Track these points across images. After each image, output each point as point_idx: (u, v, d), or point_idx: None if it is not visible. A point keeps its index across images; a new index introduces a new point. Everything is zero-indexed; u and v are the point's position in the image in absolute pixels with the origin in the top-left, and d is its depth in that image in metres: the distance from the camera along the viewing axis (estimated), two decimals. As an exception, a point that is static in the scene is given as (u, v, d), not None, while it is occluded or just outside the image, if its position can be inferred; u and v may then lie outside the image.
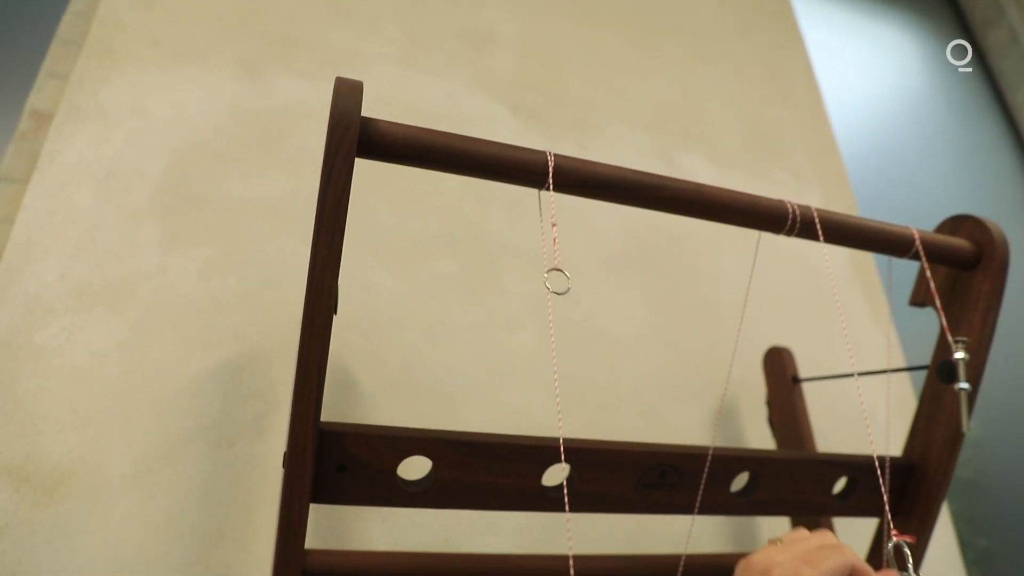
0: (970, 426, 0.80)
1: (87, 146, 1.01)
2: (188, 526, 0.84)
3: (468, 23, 1.35)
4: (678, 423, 1.11)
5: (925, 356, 0.87)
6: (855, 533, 0.96)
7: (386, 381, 0.99)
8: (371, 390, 0.98)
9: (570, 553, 0.81)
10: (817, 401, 1.17)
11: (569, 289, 0.74)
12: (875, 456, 0.82)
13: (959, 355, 0.76)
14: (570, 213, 1.21)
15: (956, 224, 0.85)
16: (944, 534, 1.28)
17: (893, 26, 2.44)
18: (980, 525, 1.66)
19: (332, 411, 0.95)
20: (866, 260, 1.48)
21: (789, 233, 0.72)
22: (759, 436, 1.15)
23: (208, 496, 0.85)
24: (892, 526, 0.74)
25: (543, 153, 0.62)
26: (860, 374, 1.02)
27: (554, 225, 0.61)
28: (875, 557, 0.89)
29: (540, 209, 0.62)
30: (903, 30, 2.46)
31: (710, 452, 0.74)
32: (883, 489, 0.76)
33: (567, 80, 1.38)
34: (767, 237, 0.79)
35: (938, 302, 0.84)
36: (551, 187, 0.62)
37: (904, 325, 1.55)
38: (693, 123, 1.46)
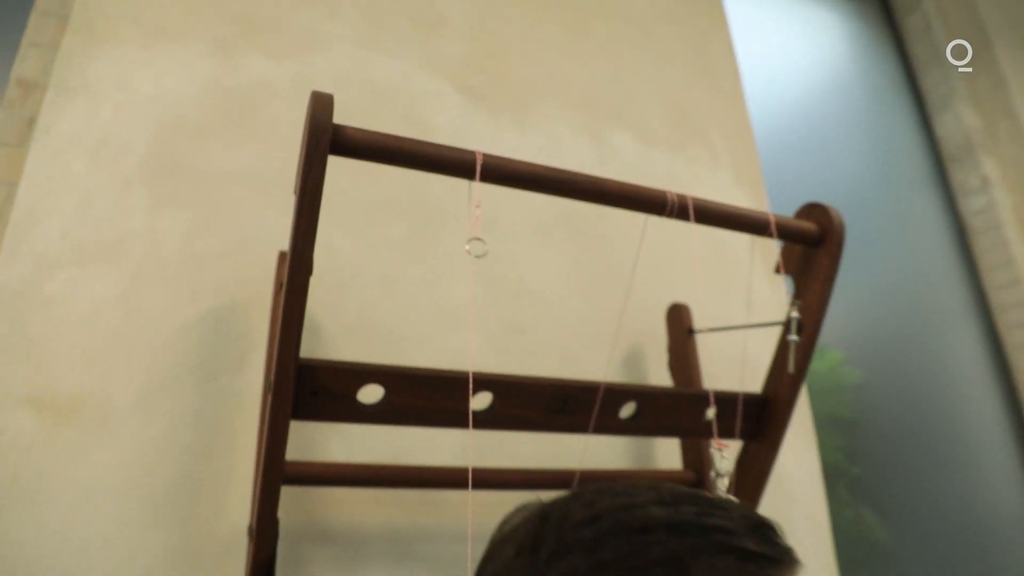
0: (855, 374, 1.04)
1: (78, 118, 1.15)
2: (182, 446, 1.03)
3: (421, 8, 1.50)
4: (592, 365, 1.33)
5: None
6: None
7: (345, 327, 1.18)
8: (332, 334, 1.17)
9: (469, 466, 1.03)
10: (714, 350, 1.41)
11: (487, 253, 0.93)
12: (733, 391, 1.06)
13: (794, 314, 0.99)
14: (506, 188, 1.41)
15: (809, 210, 1.08)
16: (810, 459, 1.55)
17: (819, 7, 2.65)
18: (855, 456, 1.97)
19: (302, 350, 1.14)
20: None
21: (669, 216, 0.93)
22: (662, 378, 1.39)
23: (198, 421, 1.04)
24: (718, 440, 0.98)
25: (473, 153, 0.81)
26: (736, 327, 1.24)
27: (478, 207, 0.80)
28: (737, 472, 1.14)
29: (470, 196, 0.82)
30: (829, 11, 2.67)
31: (602, 386, 0.96)
32: (736, 419, 1.00)
33: (509, 62, 1.55)
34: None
35: (783, 270, 1.07)
36: (478, 179, 0.81)
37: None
38: (622, 103, 1.65)
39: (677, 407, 1.05)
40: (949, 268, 2.53)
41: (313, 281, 1.17)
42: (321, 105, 0.75)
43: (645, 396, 1.02)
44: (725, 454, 0.84)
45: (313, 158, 0.74)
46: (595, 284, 1.41)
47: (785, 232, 1.02)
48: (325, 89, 1.26)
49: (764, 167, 2.19)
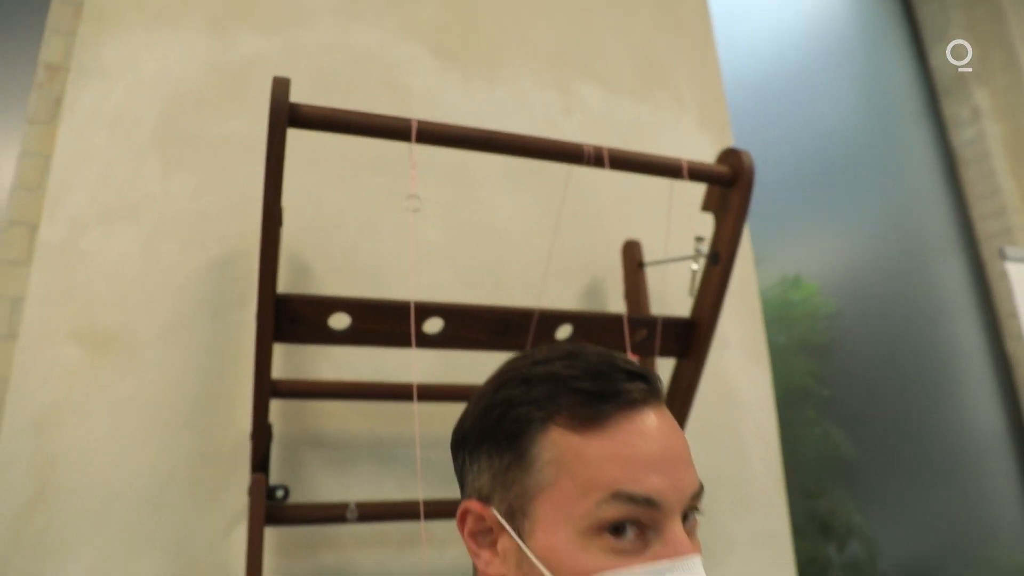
0: (830, 303, 1.18)
1: (96, 98, 1.36)
2: (197, 370, 1.27)
3: (396, -24, 1.65)
4: (555, 297, 1.52)
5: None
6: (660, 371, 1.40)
7: (332, 268, 1.39)
8: (321, 274, 1.38)
9: (415, 382, 1.23)
10: (666, 281, 1.58)
11: (420, 208, 1.10)
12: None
13: (700, 248, 1.16)
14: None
15: (726, 155, 1.23)
16: (762, 379, 1.72)
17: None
18: (825, 380, 2.13)
19: (296, 288, 1.36)
20: (731, 169, 1.86)
21: (587, 164, 1.10)
22: (619, 306, 1.57)
23: (210, 349, 1.27)
24: (632, 353, 1.16)
25: (409, 120, 0.99)
26: (661, 262, 1.40)
27: (413, 167, 0.99)
28: (670, 385, 1.32)
29: (411, 157, 1.00)
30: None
31: (536, 312, 1.16)
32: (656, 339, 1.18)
33: (480, 22, 1.70)
34: (641, 150, 1.15)
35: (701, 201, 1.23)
36: (413, 140, 0.99)
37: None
38: (589, 55, 1.79)
39: (608, 329, 1.23)
40: (937, 200, 2.62)
41: (303, 227, 1.38)
42: (280, 88, 0.93)
43: (579, 319, 1.21)
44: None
45: (275, 132, 0.93)
46: (559, 223, 1.58)
47: (698, 175, 1.18)
48: (309, 59, 1.47)
49: (752, 104, 2.30)
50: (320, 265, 1.40)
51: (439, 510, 1.23)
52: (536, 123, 1.67)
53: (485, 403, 0.57)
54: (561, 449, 0.52)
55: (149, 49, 1.41)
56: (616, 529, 0.50)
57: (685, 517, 0.53)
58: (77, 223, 1.28)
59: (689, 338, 1.29)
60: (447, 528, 1.33)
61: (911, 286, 2.40)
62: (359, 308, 1.08)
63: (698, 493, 0.54)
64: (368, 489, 1.28)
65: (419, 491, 1.13)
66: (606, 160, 1.10)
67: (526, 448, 0.53)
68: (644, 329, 1.26)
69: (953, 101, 2.71)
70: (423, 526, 1.28)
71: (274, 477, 1.24)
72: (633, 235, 1.60)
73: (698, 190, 1.31)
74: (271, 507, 1.12)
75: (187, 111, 1.40)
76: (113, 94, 1.37)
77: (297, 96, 1.05)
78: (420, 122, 1.00)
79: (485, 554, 0.55)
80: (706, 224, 1.27)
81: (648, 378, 0.55)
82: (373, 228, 1.44)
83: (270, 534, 1.21)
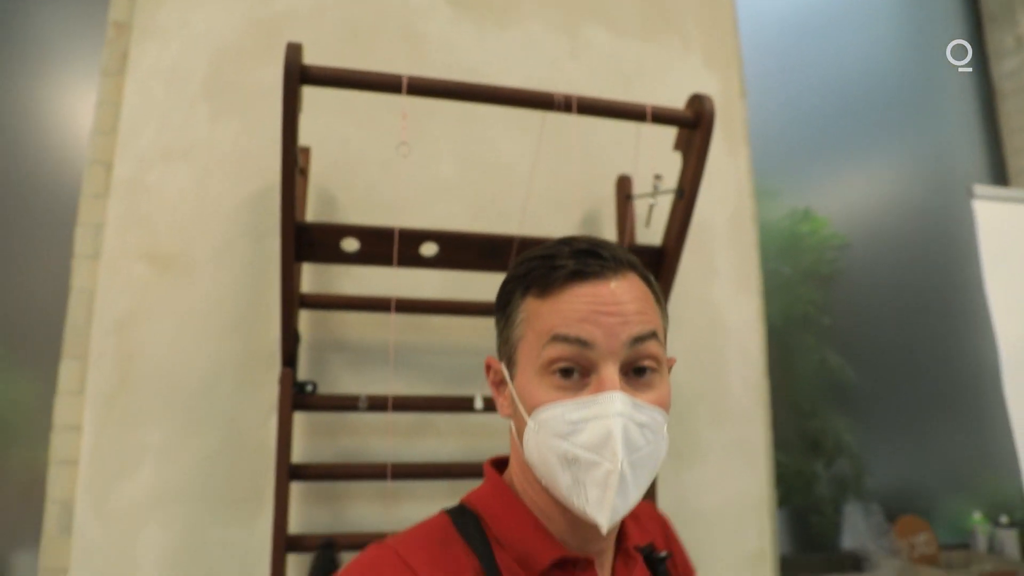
0: (840, 235, 1.36)
1: (155, 54, 1.61)
2: (241, 285, 1.55)
3: (414, -71, 1.82)
4: (552, 226, 1.72)
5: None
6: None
7: (354, 200, 1.63)
8: (345, 205, 1.63)
9: (393, 297, 1.47)
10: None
11: (410, 154, 1.30)
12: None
13: (658, 185, 1.34)
14: (488, 80, 1.76)
15: (693, 99, 1.38)
16: (750, 308, 1.88)
17: None
18: (829, 309, 2.27)
19: (322, 217, 1.61)
20: (733, 105, 1.98)
21: (558, 111, 1.29)
22: (613, 235, 1.76)
23: (253, 268, 1.55)
24: None
25: (400, 76, 1.20)
26: (642, 196, 1.56)
27: (404, 116, 1.20)
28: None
29: (403, 109, 1.21)
30: None
31: (517, 238, 1.37)
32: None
33: (494, -29, 1.85)
34: (646, 90, 1.33)
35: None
36: (404, 93, 1.20)
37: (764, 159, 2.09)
38: (598, -1, 1.92)
39: (585, 255, 1.44)
40: (970, 135, 2.63)
41: (328, 164, 1.63)
42: (292, 52, 1.15)
43: (556, 246, 1.41)
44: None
45: (289, 90, 1.15)
46: (560, 158, 1.76)
47: (663, 119, 1.35)
48: (336, 9, 1.68)
49: (776, 37, 2.38)
50: (344, 197, 1.64)
51: (441, 404, 1.50)
52: (544, 66, 1.84)
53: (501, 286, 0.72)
54: (528, 311, 0.65)
55: (198, 9, 1.65)
56: (564, 372, 0.62)
57: (639, 370, 0.64)
58: (143, 162, 1.56)
59: (659, 264, 1.48)
60: (449, 421, 1.60)
61: (931, 222, 2.46)
62: (365, 234, 1.32)
63: (636, 341, 0.62)
64: (382, 386, 1.55)
65: (389, 386, 1.39)
66: (574, 106, 1.28)
67: (510, 313, 0.68)
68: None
69: (998, 28, 2.68)
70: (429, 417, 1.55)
71: (304, 374, 1.53)
72: (629, 170, 1.77)
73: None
74: (298, 397, 1.41)
75: (230, 63, 1.64)
76: (168, 50, 1.62)
77: (324, 44, 1.27)
78: (410, 77, 1.21)
79: (500, 399, 0.69)
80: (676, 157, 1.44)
81: (601, 256, 0.64)
82: (390, 165, 1.67)
83: (300, 420, 1.51)
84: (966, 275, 2.43)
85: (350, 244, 1.34)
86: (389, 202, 1.64)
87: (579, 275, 0.63)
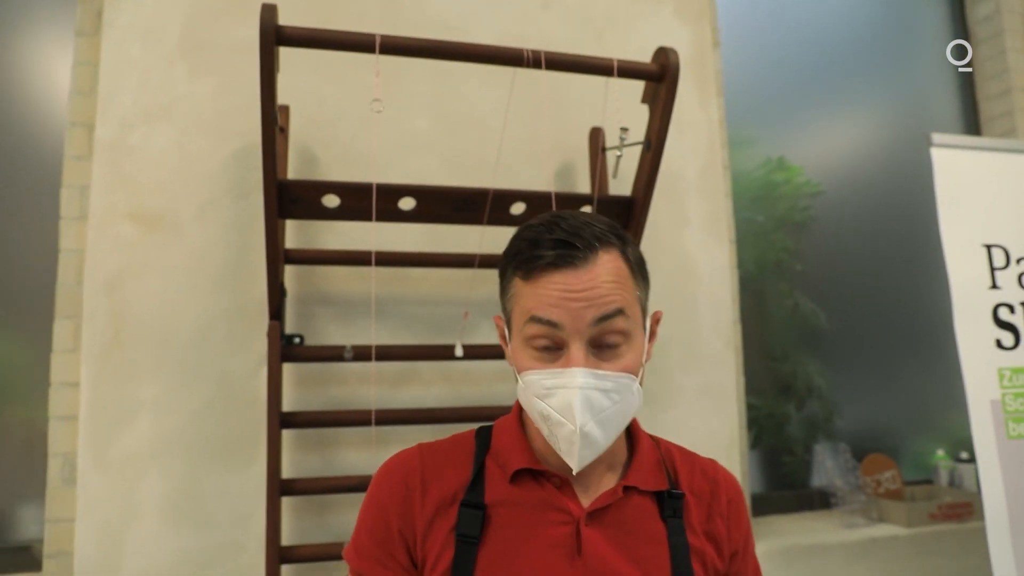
0: (814, 183, 1.45)
1: (130, 12, 1.66)
2: (226, 242, 1.62)
3: None
4: (527, 178, 1.80)
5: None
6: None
7: (334, 156, 1.71)
8: (325, 162, 1.70)
9: (372, 250, 1.55)
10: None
11: (383, 111, 1.37)
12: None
13: (624, 137, 1.42)
14: (461, 34, 1.82)
15: (658, 53, 1.45)
16: (720, 255, 1.98)
17: None
18: (803, 256, 2.38)
19: (302, 173, 1.68)
20: (705, 55, 2.04)
21: (527, 67, 1.36)
22: (587, 186, 1.84)
23: (237, 226, 1.63)
24: None
25: (374, 35, 1.26)
26: (613, 148, 1.64)
27: (377, 75, 1.27)
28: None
29: (376, 67, 1.28)
30: None
31: (491, 191, 1.45)
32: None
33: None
34: (618, 41, 1.40)
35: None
36: (377, 52, 1.27)
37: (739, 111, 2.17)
38: (571, -49, 1.96)
39: (560, 205, 1.52)
40: (944, 82, 2.71)
41: (307, 121, 1.69)
42: (267, 13, 1.21)
43: (530, 197, 1.50)
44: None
45: (265, 51, 1.22)
46: (534, 112, 1.83)
47: (629, 72, 1.42)
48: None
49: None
50: (324, 154, 1.71)
51: (423, 353, 1.59)
52: (516, 18, 1.89)
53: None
54: (516, 289, 0.78)
55: (170, -33, 1.69)
56: (545, 348, 0.75)
57: (604, 344, 0.75)
58: (124, 123, 1.62)
59: (629, 213, 1.57)
60: (432, 369, 1.71)
61: (903, 170, 2.55)
62: (345, 190, 1.39)
63: (604, 320, 0.74)
64: (366, 337, 1.65)
65: (372, 337, 1.49)
66: (543, 63, 1.35)
67: (505, 285, 0.81)
68: (588, 205, 1.55)
69: (975, -27, 2.74)
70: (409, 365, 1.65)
71: (291, 327, 1.62)
72: (601, 123, 1.84)
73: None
74: (286, 349, 1.50)
75: (205, 20, 1.69)
76: (143, 8, 1.67)
77: (298, 1, 1.32)
78: (383, 36, 1.27)
79: (507, 349, 0.83)
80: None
81: (573, 244, 0.74)
82: (367, 121, 1.73)
83: (289, 371, 1.61)
84: (933, 221, 2.54)
85: (331, 200, 1.41)
86: (367, 157, 1.72)
87: (554, 266, 0.75)
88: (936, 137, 1.65)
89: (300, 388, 1.64)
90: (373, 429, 1.60)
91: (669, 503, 0.83)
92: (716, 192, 2.00)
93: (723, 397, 1.91)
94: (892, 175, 2.55)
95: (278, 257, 1.43)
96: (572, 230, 0.76)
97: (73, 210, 1.69)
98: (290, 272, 1.64)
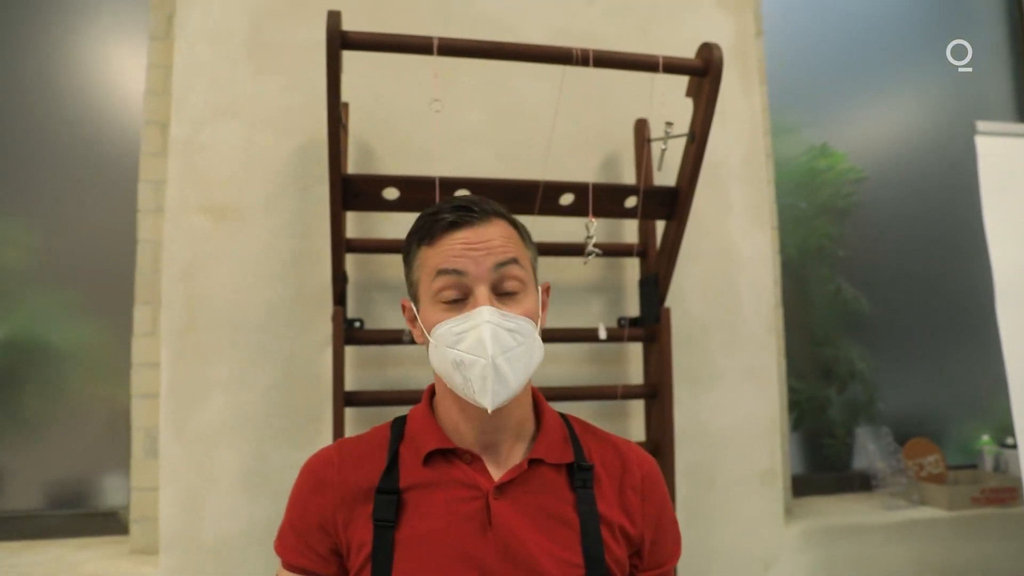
0: (858, 169, 1.52)
1: (199, 16, 1.78)
2: (291, 232, 1.74)
3: None
4: (575, 168, 1.88)
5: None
6: (645, 230, 1.76)
7: (391, 149, 1.81)
8: (382, 155, 1.81)
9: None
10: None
11: (441, 109, 1.45)
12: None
13: (668, 130, 1.49)
14: (509, 29, 1.90)
15: (702, 48, 1.52)
16: (763, 242, 2.03)
17: None
18: (842, 241, 2.42)
19: (362, 166, 1.79)
20: (748, 45, 2.09)
21: (576, 64, 1.44)
22: (633, 176, 1.92)
23: (301, 216, 1.75)
24: (591, 216, 1.51)
25: (431, 38, 1.36)
26: (657, 139, 1.70)
27: (436, 75, 1.36)
28: (661, 244, 1.69)
29: (435, 70, 1.37)
30: None
31: (541, 183, 1.54)
32: (639, 206, 1.54)
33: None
34: (662, 34, 1.47)
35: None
36: (435, 54, 1.36)
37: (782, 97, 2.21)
38: (616, -55, 2.03)
39: (603, 196, 1.60)
40: (999, 63, 2.70)
41: (366, 116, 1.80)
42: (333, 20, 1.32)
43: (578, 188, 1.58)
44: (593, 226, 1.42)
45: (331, 55, 1.32)
46: (582, 104, 1.90)
47: (674, 68, 1.49)
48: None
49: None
50: (380, 147, 1.82)
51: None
52: (562, 13, 1.97)
53: None
54: (422, 257, 0.88)
55: (235, -28, 1.80)
56: (453, 300, 0.85)
57: (503, 291, 0.85)
58: (196, 121, 1.74)
59: (673, 203, 1.64)
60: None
61: (950, 154, 2.56)
62: (404, 183, 1.50)
63: (503, 266, 0.84)
64: (422, 322, 1.76)
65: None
66: (591, 60, 1.43)
67: (411, 261, 0.91)
68: (634, 196, 1.62)
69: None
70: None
71: (352, 312, 1.74)
72: (647, 114, 1.91)
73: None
74: (348, 332, 1.61)
75: (269, 23, 1.80)
76: (211, 12, 1.78)
77: (356, 2, 1.42)
78: (440, 39, 1.36)
79: (414, 331, 0.92)
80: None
81: (470, 208, 0.87)
82: (422, 116, 1.82)
83: (350, 353, 1.73)
84: (979, 206, 2.55)
85: (391, 193, 1.52)
86: (423, 150, 1.81)
87: (455, 224, 0.86)
88: (981, 125, 1.68)
89: (360, 368, 1.76)
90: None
91: (579, 475, 0.90)
92: (758, 179, 2.05)
93: (764, 380, 1.97)
94: (938, 160, 2.56)
95: (341, 247, 1.54)
96: (467, 202, 0.89)
97: (149, 203, 1.83)
98: (350, 260, 1.75)
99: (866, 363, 2.39)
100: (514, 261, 0.86)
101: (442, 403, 0.93)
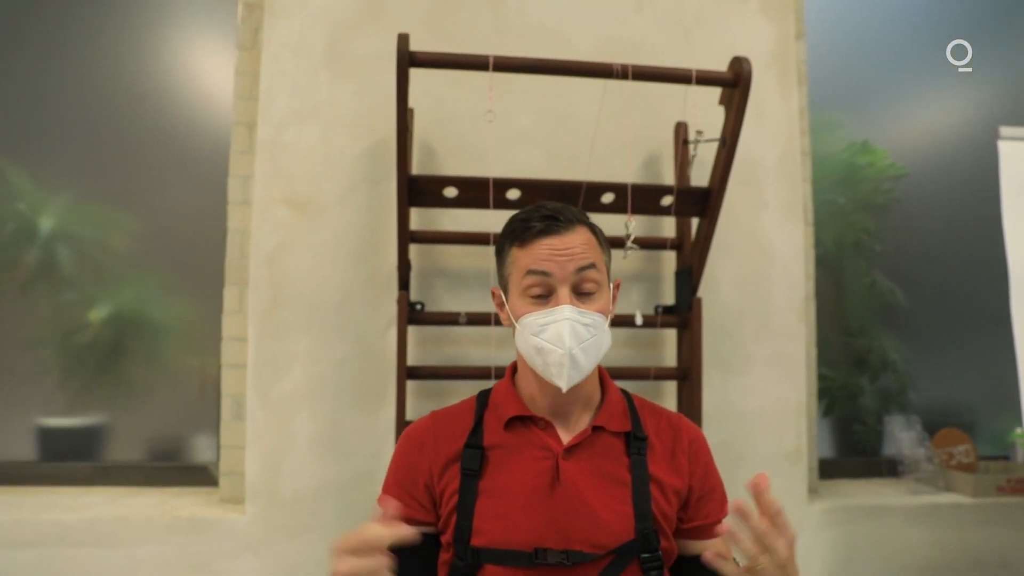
0: (899, 166, 1.71)
1: (283, 31, 2.03)
2: (361, 223, 1.99)
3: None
4: (619, 167, 2.07)
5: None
6: (681, 226, 1.95)
7: (450, 150, 2.04)
8: (442, 155, 2.04)
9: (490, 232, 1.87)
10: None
11: (495, 119, 1.67)
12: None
13: (696, 138, 1.67)
14: (561, 37, 2.10)
15: (734, 62, 1.69)
16: (796, 236, 2.19)
17: None
18: (880, 236, 2.55)
19: (424, 164, 2.02)
20: (788, 47, 2.24)
21: (617, 78, 1.63)
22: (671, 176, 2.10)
23: (371, 209, 1.99)
24: (630, 215, 1.71)
25: (487, 56, 1.57)
26: (693, 141, 1.87)
27: (491, 88, 1.58)
28: (694, 238, 1.88)
29: (490, 84, 1.58)
30: None
31: (584, 183, 1.74)
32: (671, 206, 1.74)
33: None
34: (704, 40, 1.66)
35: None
36: (491, 70, 1.57)
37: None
38: (662, -44, 2.20)
39: (643, 195, 1.80)
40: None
41: (428, 119, 2.03)
42: (402, 42, 1.54)
43: (617, 188, 1.78)
44: (633, 223, 1.62)
45: (401, 73, 1.55)
46: (624, 107, 2.09)
47: (706, 80, 1.67)
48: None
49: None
50: (443, 148, 2.05)
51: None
52: (611, 20, 2.15)
53: None
54: (513, 256, 1.07)
55: (315, -11, 2.05)
56: (538, 296, 1.03)
57: (582, 291, 1.03)
58: (279, 123, 2.00)
59: (705, 202, 1.82)
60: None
61: (992, 152, 2.64)
62: (462, 183, 1.72)
63: (582, 271, 1.02)
64: (474, 304, 1.98)
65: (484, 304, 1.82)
66: (629, 74, 1.62)
67: (504, 258, 1.10)
68: (670, 195, 1.81)
69: (1082, -51, 2.76)
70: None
71: (415, 296, 1.98)
72: (687, 117, 2.08)
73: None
74: (411, 313, 1.85)
75: (344, 35, 2.04)
76: (293, 27, 2.03)
77: (419, 13, 1.65)
78: (495, 57, 1.58)
79: (502, 315, 1.13)
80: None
81: (556, 217, 1.04)
82: (479, 120, 2.05)
83: (412, 332, 1.97)
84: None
85: (450, 192, 1.75)
86: (480, 150, 2.03)
87: (543, 232, 1.04)
88: (1004, 130, 1.81)
89: (420, 347, 2.00)
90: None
91: (634, 443, 1.09)
92: (794, 177, 2.21)
93: (793, 367, 2.14)
94: (980, 157, 2.65)
95: (406, 238, 1.78)
96: (554, 210, 1.06)
97: (238, 196, 2.10)
98: (413, 249, 1.99)
99: (899, 354, 2.53)
100: (592, 266, 1.04)
101: (523, 378, 1.12)
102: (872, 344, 2.50)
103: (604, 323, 1.05)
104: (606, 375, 1.18)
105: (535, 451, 1.08)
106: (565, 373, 1.01)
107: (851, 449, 2.51)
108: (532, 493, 1.04)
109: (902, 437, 2.41)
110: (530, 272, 1.03)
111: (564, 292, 1.03)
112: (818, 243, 2.38)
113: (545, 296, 1.04)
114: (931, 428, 2.43)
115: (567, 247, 1.03)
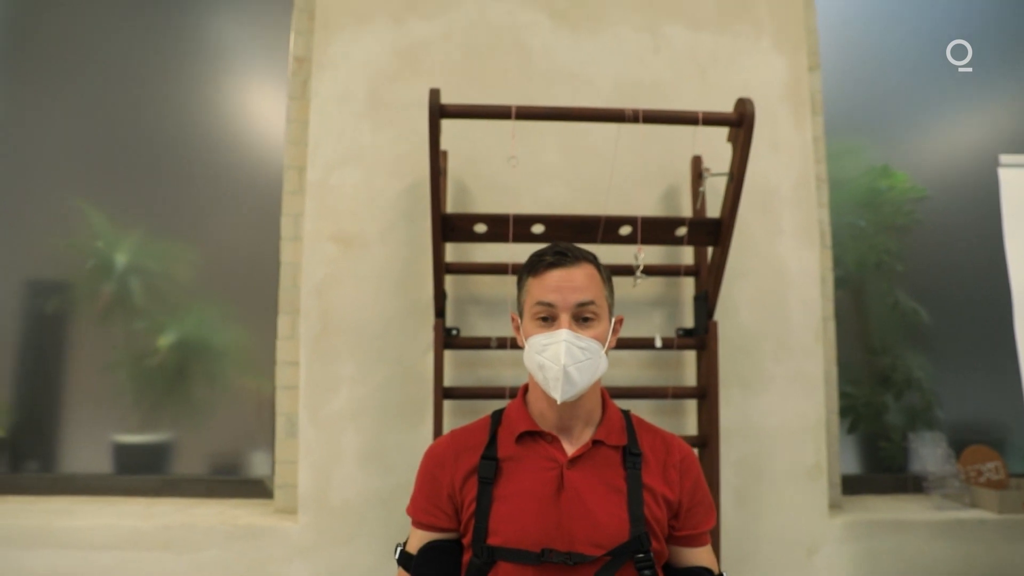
0: (920, 188, 1.89)
1: (329, 83, 2.27)
2: (401, 257, 2.21)
3: (520, -42, 2.35)
4: (638, 198, 2.25)
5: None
6: (691, 253, 2.11)
7: (482, 187, 2.24)
8: (474, 192, 2.25)
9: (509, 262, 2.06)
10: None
11: (516, 165, 1.87)
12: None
13: (706, 173, 1.84)
14: (583, 79, 2.29)
15: (738, 104, 1.86)
16: (810, 260, 2.33)
17: None
18: (901, 256, 2.66)
19: (457, 201, 2.23)
20: (800, 80, 2.39)
21: (630, 122, 1.81)
22: (688, 206, 2.27)
23: (410, 244, 2.21)
24: (639, 247, 1.87)
25: (510, 107, 1.77)
26: (712, 174, 2.03)
27: (513, 135, 1.78)
28: (707, 266, 2.04)
29: (512, 132, 1.79)
30: None
31: (603, 218, 1.93)
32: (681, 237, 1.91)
33: (587, -14, 2.36)
34: (719, 77, 1.85)
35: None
36: (513, 118, 1.78)
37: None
38: None
39: (659, 226, 1.97)
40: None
41: (462, 159, 2.25)
42: (433, 96, 1.76)
43: (634, 221, 1.95)
44: (642, 255, 1.80)
45: (433, 124, 1.76)
46: (645, 141, 2.27)
47: (712, 121, 1.84)
48: (461, 34, 2.26)
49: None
50: (475, 185, 2.26)
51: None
52: (630, 63, 2.34)
53: None
54: (528, 285, 1.25)
55: (356, 43, 2.29)
56: (544, 319, 1.22)
57: (581, 318, 1.21)
58: (327, 166, 2.24)
59: (717, 232, 1.99)
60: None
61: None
62: (490, 220, 1.92)
63: (582, 305, 1.20)
64: (505, 330, 2.18)
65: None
66: (640, 118, 1.81)
67: (521, 286, 1.28)
68: (684, 226, 1.98)
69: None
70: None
71: (450, 322, 2.18)
72: (699, 150, 2.25)
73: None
74: (447, 338, 2.05)
75: (383, 86, 2.27)
76: (338, 78, 2.28)
77: (451, 63, 1.87)
78: (517, 107, 1.78)
79: (518, 336, 1.32)
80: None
81: (565, 254, 1.23)
82: (509, 160, 2.25)
83: (448, 356, 2.17)
84: None
85: (480, 228, 1.95)
86: (508, 188, 2.23)
87: (552, 265, 1.23)
88: (1004, 158, 1.93)
89: (456, 369, 2.20)
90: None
91: (629, 458, 1.25)
92: (809, 203, 2.34)
93: (811, 385, 2.27)
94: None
95: (441, 270, 1.98)
96: (565, 248, 1.26)
97: (290, 232, 2.34)
98: (448, 280, 2.20)
99: (924, 372, 2.62)
100: (591, 301, 1.22)
101: (533, 395, 1.29)
102: (896, 362, 2.61)
103: (600, 349, 1.22)
104: (606, 395, 1.34)
105: (543, 462, 1.25)
106: (560, 387, 1.18)
107: (877, 466, 2.61)
108: (540, 499, 1.21)
109: (927, 454, 2.50)
110: (539, 303, 1.22)
111: (565, 318, 1.21)
112: (840, 265, 2.51)
113: (550, 320, 1.22)
114: (959, 445, 2.51)
115: (571, 280, 1.22)
